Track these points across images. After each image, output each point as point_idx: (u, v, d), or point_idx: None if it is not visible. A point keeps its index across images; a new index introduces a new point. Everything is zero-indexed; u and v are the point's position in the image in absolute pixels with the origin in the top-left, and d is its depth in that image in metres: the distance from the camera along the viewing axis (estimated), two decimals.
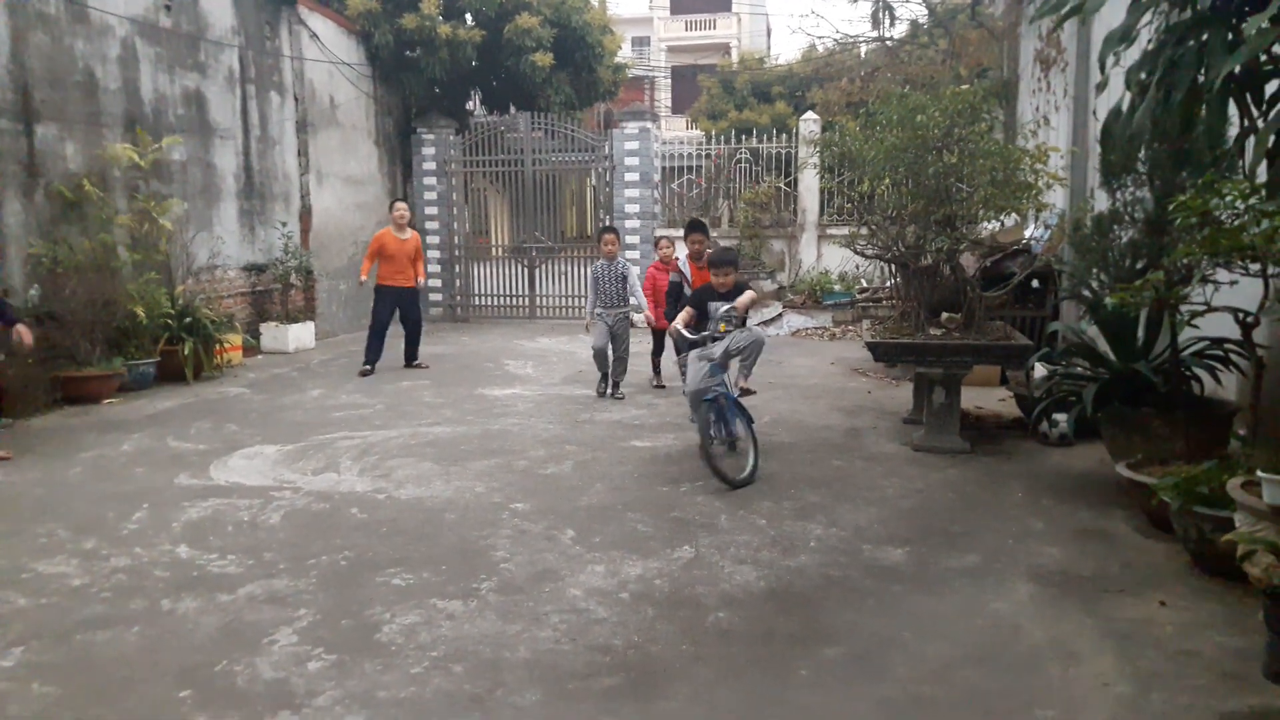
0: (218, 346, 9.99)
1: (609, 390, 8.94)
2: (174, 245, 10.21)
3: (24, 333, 7.09)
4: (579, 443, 7.12)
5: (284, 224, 12.52)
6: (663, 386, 9.24)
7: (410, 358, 10.75)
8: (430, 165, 16.08)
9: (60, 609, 4.18)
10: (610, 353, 8.95)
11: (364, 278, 10.62)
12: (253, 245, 12.10)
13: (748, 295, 6.27)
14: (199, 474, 6.33)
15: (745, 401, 6.37)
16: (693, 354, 6.21)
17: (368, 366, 10.35)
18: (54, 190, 8.98)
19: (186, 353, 9.49)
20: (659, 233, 9.64)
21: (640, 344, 9.90)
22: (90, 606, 4.19)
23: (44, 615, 4.10)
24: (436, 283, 16.44)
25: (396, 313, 10.57)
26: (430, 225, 16.29)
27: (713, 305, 6.35)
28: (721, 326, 6.13)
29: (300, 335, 12.10)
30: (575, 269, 15.73)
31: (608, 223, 15.58)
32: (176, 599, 4.26)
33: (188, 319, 9.67)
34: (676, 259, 8.77)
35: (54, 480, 6.24)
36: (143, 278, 9.56)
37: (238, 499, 5.77)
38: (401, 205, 10.70)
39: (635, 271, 9.21)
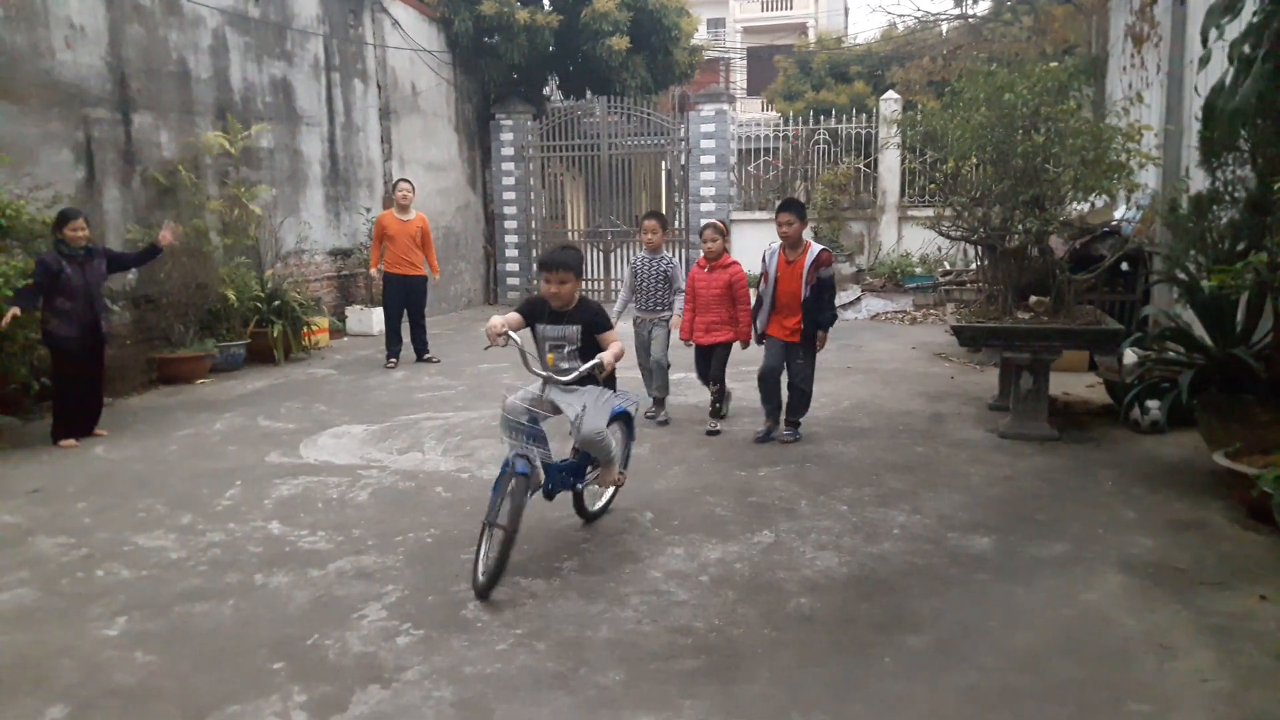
0: (305, 329, 10.28)
1: (656, 413, 7.32)
2: (263, 230, 10.51)
3: (166, 234, 7.52)
4: (655, 426, 7.14)
5: (368, 209, 12.78)
6: (723, 416, 7.15)
7: (418, 351, 10.14)
8: (508, 151, 16.23)
9: (160, 581, 4.35)
10: (649, 364, 7.39)
11: (374, 268, 10.03)
12: (338, 230, 12.38)
13: (613, 350, 4.41)
14: (289, 452, 6.53)
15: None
16: (514, 396, 4.49)
17: (390, 361, 9.84)
18: (149, 177, 9.33)
19: (275, 335, 9.77)
20: (704, 221, 7.35)
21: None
22: (188, 579, 4.36)
23: (145, 587, 4.28)
24: (514, 267, 16.63)
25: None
26: (508, 210, 16.47)
27: (540, 328, 4.58)
28: (549, 360, 4.53)
29: (382, 319, 12.34)
30: None
31: (681, 207, 15.54)
32: (269, 574, 4.41)
33: (276, 302, 9.96)
34: (767, 250, 6.72)
35: (151, 457, 6.49)
36: (233, 262, 9.87)
37: (327, 477, 5.94)
38: (404, 184, 9.96)
39: (681, 270, 7.37)
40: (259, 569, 4.46)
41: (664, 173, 17.36)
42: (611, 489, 5.08)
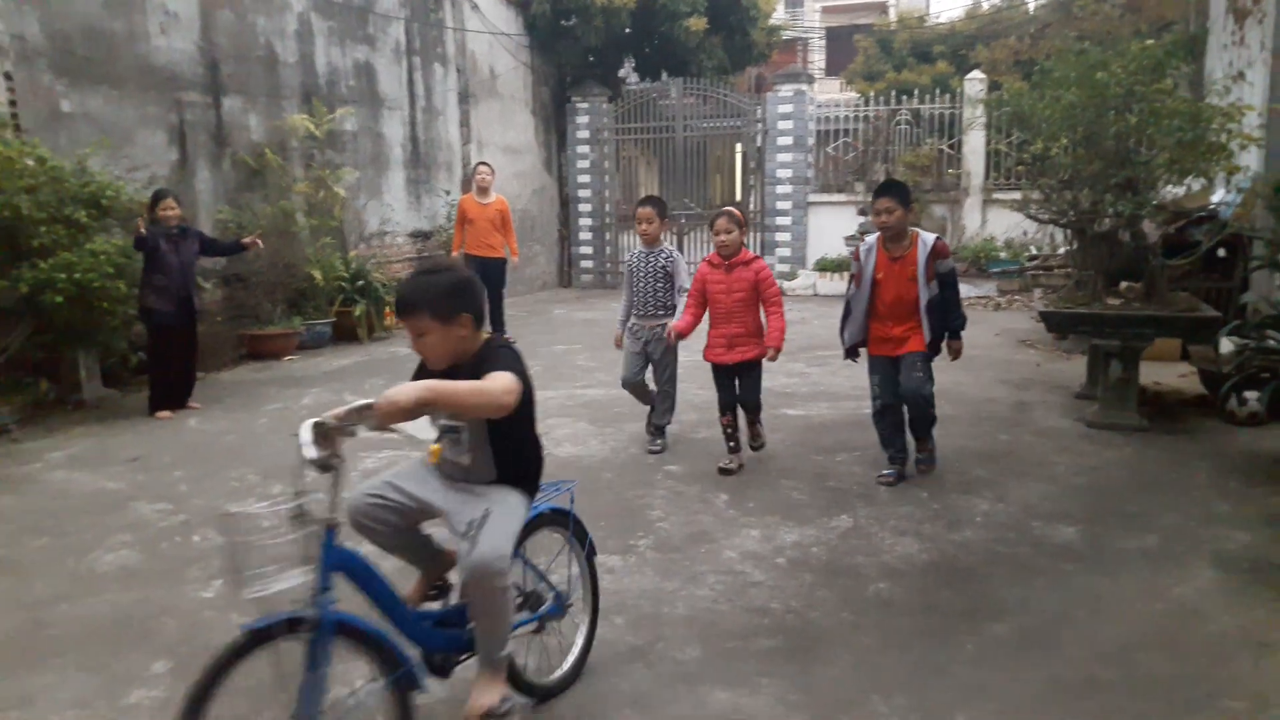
0: (387, 309, 10.50)
1: (653, 442, 6.08)
2: (347, 212, 10.76)
3: (253, 242, 7.73)
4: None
5: (447, 192, 12.98)
6: (761, 447, 5.83)
7: (496, 331, 10.27)
8: (584, 134, 16.30)
9: (252, 548, 4.51)
10: (648, 384, 6.15)
11: (455, 251, 10.00)
12: (418, 212, 12.61)
13: (499, 380, 2.52)
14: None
15: None
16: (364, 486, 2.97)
17: None
18: (238, 159, 9.62)
19: (359, 314, 10.02)
20: (728, 206, 6.34)
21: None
22: (279, 547, 4.51)
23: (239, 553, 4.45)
24: (588, 249, 16.72)
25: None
26: (582, 194, 16.55)
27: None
28: (433, 453, 2.88)
29: None
30: None
31: (758, 189, 15.42)
32: (358, 542, 4.53)
33: (360, 282, 10.20)
34: (861, 242, 5.50)
35: (242, 429, 6.73)
36: (319, 242, 10.13)
37: (410, 452, 6.07)
38: (484, 168, 9.97)
39: (684, 265, 6.03)
40: (347, 537, 4.58)
41: (740, 155, 17.23)
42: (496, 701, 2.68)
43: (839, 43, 33.01)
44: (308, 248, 9.95)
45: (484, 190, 10.01)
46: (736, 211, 5.59)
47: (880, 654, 3.41)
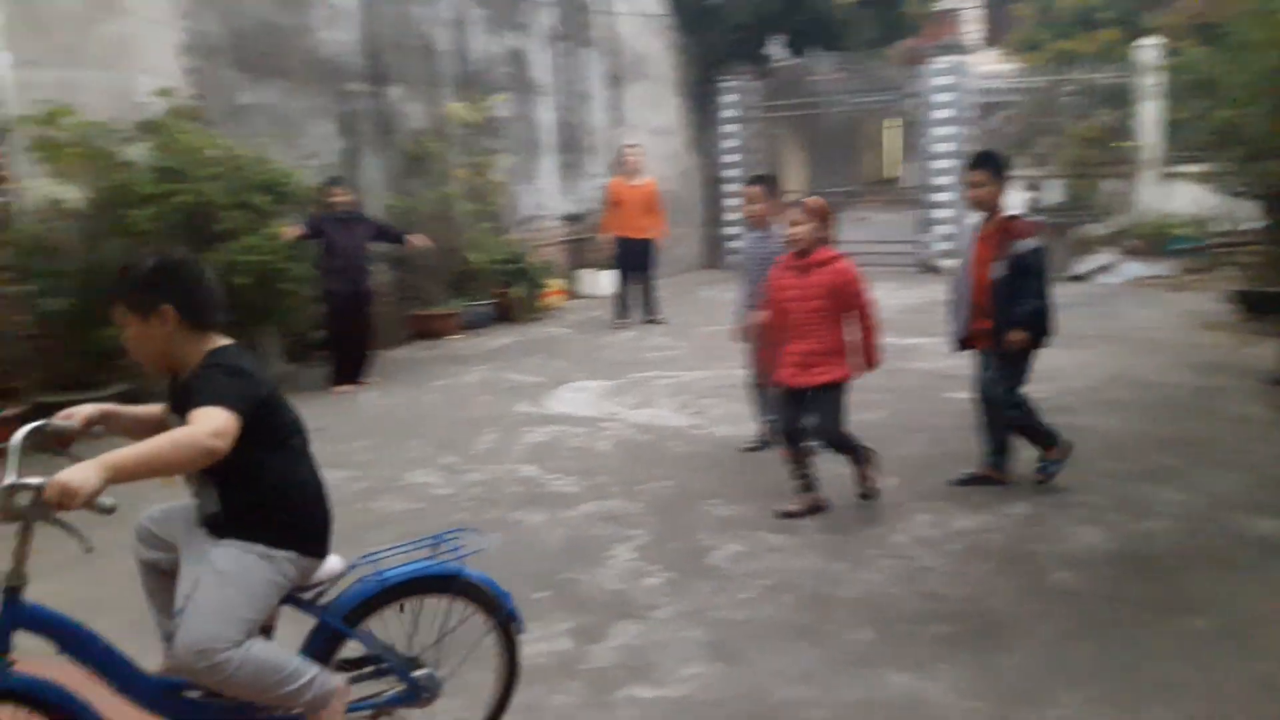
0: (542, 290, 10.76)
1: (762, 443, 5.49)
2: (503, 196, 11.05)
3: (416, 241, 8.00)
4: (892, 391, 6.95)
5: (597, 175, 13.15)
6: (874, 495, 4.73)
7: (647, 313, 10.22)
8: (730, 113, 16.17)
9: (431, 513, 4.73)
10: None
11: (605, 233, 10.13)
12: (569, 196, 12.83)
13: (205, 422, 2.11)
14: (535, 403, 6.89)
15: None
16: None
17: (620, 322, 10.03)
18: (402, 146, 10.01)
19: (516, 295, 10.31)
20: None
21: None
22: (455, 513, 4.72)
23: (419, 517, 4.67)
24: (736, 230, 16.62)
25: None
26: (729, 173, 16.44)
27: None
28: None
29: (610, 282, 12.72)
30: (874, 215, 15.30)
31: (913, 166, 14.95)
32: (527, 512, 4.70)
33: (516, 265, 10.48)
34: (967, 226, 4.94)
35: (414, 404, 7.05)
36: (477, 227, 10.44)
37: (570, 427, 6.22)
38: (632, 150, 10.10)
39: None
40: (517, 507, 4.76)
41: (893, 131, 16.74)
42: None
43: (997, 12, 31.57)
44: (467, 232, 10.27)
45: (633, 172, 10.11)
46: (814, 201, 4.61)
47: (1064, 644, 3.28)
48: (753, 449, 5.59)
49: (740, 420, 6.25)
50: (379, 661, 2.50)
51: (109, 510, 1.97)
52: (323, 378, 7.69)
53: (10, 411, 5.96)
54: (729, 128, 16.29)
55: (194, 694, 2.28)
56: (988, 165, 4.67)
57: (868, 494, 4.70)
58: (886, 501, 4.70)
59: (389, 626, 2.55)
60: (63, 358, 6.74)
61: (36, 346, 6.72)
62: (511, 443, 5.91)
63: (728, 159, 16.43)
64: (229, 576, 2.24)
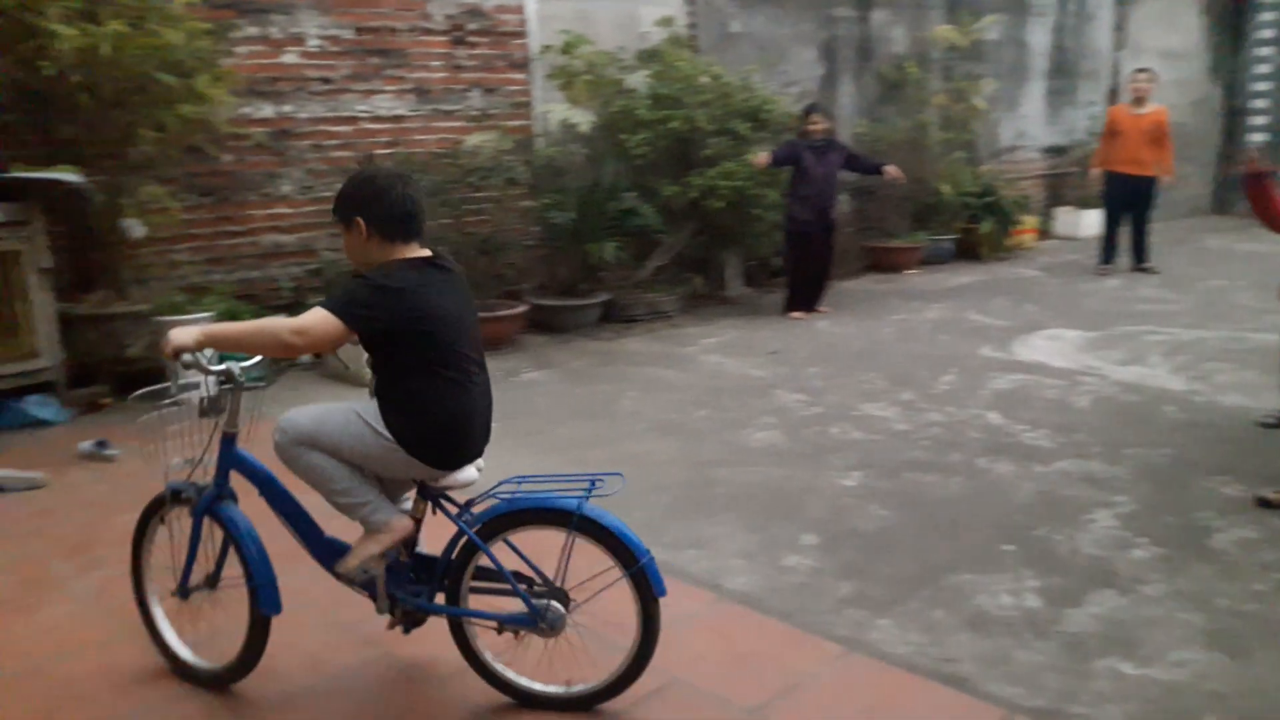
0: (1012, 228, 10.02)
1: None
2: (981, 125, 10.37)
3: (892, 172, 7.83)
4: None
5: (1091, 103, 11.84)
6: None
7: (1136, 259, 9.14)
8: (1268, 33, 13.58)
9: (887, 447, 4.62)
10: None
11: (1095, 167, 9.17)
12: (1054, 126, 11.71)
13: (304, 318, 2.43)
14: (1000, 348, 6.44)
15: None
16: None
17: (1104, 267, 9.11)
18: (879, 72, 9.75)
19: (984, 232, 9.69)
20: None
21: None
22: (912, 450, 4.56)
23: (874, 449, 4.59)
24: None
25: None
26: (1258, 103, 13.89)
27: None
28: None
29: (1094, 222, 11.47)
30: None
31: None
32: (992, 460, 4.40)
33: (987, 199, 9.83)
34: None
35: (868, 336, 6.93)
36: (950, 157, 9.93)
37: (1042, 377, 5.72)
38: (1142, 75, 8.94)
39: None
40: (981, 454, 4.47)
41: None
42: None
43: None
44: (939, 162, 9.81)
45: (1140, 100, 8.93)
46: None
47: None
48: (1273, 425, 4.71)
49: (1257, 390, 5.30)
50: (502, 579, 2.51)
51: (186, 367, 2.38)
52: (778, 302, 7.84)
53: (513, 310, 6.87)
54: (1264, 50, 13.72)
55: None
56: None
57: None
58: None
59: (548, 557, 2.49)
60: (557, 267, 7.61)
61: (538, 256, 7.66)
62: (975, 386, 5.56)
63: (1258, 86, 13.89)
64: (338, 409, 2.54)
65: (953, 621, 3.00)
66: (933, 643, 2.88)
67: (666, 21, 7.82)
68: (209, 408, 2.50)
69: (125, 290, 5.71)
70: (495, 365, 6.14)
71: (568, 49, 7.29)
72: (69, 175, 5.08)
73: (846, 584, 3.26)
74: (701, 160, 7.56)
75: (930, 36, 9.95)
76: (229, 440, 2.58)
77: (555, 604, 2.45)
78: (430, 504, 2.58)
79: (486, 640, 2.61)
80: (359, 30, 6.67)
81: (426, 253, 2.51)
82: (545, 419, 5.18)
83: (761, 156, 7.35)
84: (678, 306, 7.84)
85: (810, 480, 4.21)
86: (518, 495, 2.48)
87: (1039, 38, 11.27)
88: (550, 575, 2.48)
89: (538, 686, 2.58)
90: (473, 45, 7.24)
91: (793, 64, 9.12)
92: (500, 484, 2.49)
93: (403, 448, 2.44)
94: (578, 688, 2.55)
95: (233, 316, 5.86)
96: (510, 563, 2.50)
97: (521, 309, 6.96)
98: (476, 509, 2.52)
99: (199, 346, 2.33)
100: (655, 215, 7.55)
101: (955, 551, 3.48)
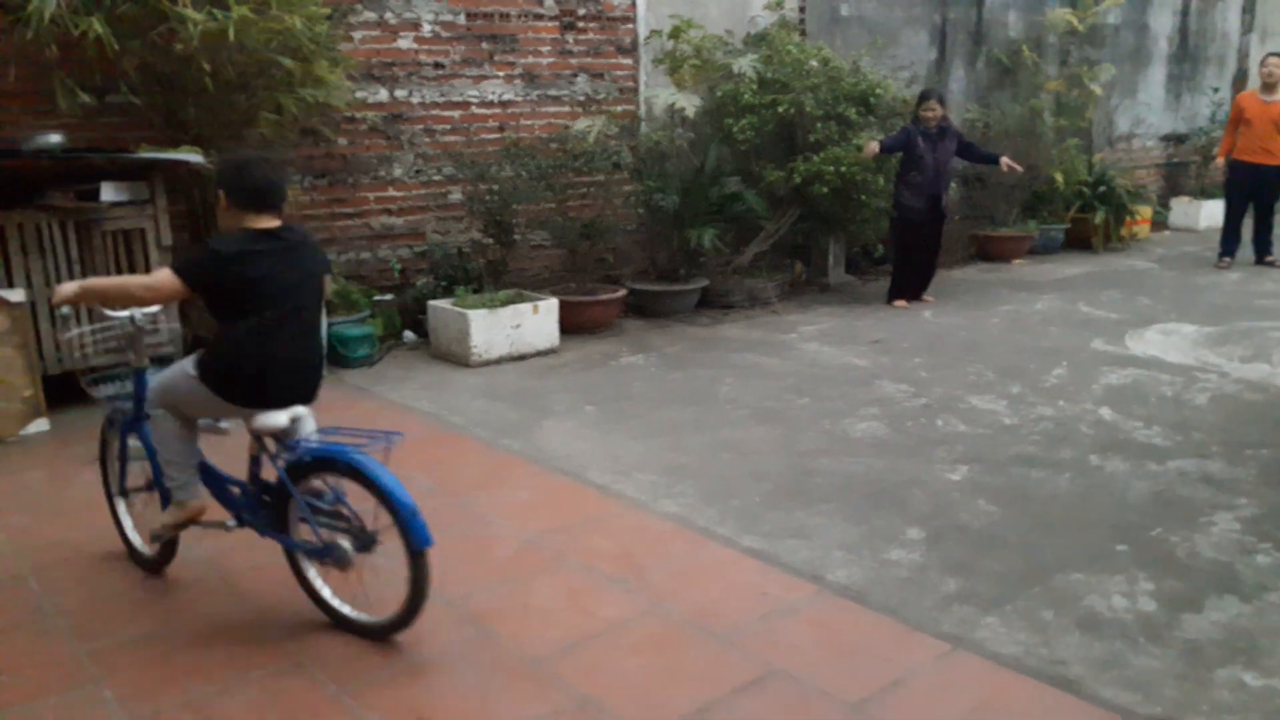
0: (1127, 218, 9.65)
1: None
2: (1097, 112, 10.02)
3: (1009, 162, 7.64)
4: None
5: (1215, 90, 11.30)
6: None
7: (1260, 252, 8.76)
8: None
9: (994, 441, 4.53)
10: None
11: (1220, 156, 8.85)
12: (1175, 113, 11.23)
13: (152, 275, 3.07)
14: (1113, 342, 6.23)
15: None
16: None
17: (1224, 260, 8.74)
18: (993, 57, 9.49)
19: (1097, 222, 9.38)
20: None
21: None
22: (1021, 445, 4.46)
23: (980, 442, 4.50)
24: None
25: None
26: None
27: None
28: None
29: (1215, 214, 10.97)
30: None
31: None
32: (1104, 457, 4.27)
33: (1101, 188, 9.50)
34: None
35: (974, 326, 6.79)
36: (1063, 144, 9.61)
37: (1158, 373, 5.52)
38: (1273, 59, 8.51)
39: None
40: (1092, 450, 4.35)
41: None
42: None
43: None
44: (1051, 149, 9.51)
45: (1271, 87, 8.51)
46: None
47: None
48: None
49: None
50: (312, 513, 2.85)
51: (65, 316, 3.12)
52: (880, 290, 7.73)
53: (612, 295, 6.92)
54: None
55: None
56: None
57: None
58: None
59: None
60: (657, 252, 7.64)
61: (638, 240, 7.70)
62: (1086, 381, 5.40)
63: None
64: (177, 365, 3.00)
65: (1063, 622, 2.95)
66: (1042, 643, 2.84)
67: (776, 5, 7.76)
68: (122, 346, 3.22)
69: None
70: (593, 349, 6.32)
71: (676, 33, 7.29)
72: (193, 156, 5.30)
73: (953, 580, 3.23)
74: (808, 145, 7.47)
75: (1047, 20, 9.64)
76: (140, 373, 3.13)
77: (343, 542, 2.78)
78: (257, 442, 2.97)
79: (312, 564, 2.97)
80: (471, 16, 6.80)
81: (274, 224, 2.85)
82: (643, 403, 5.23)
83: (871, 146, 7.19)
84: (777, 293, 7.79)
85: (915, 473, 4.16)
86: (314, 444, 2.84)
87: (1162, 21, 10.81)
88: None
89: (347, 610, 2.92)
90: (582, 30, 7.31)
91: (904, 48, 8.94)
92: (318, 432, 2.89)
93: (206, 386, 2.85)
94: (369, 618, 2.88)
95: (342, 296, 6.10)
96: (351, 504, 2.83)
97: (621, 293, 7.03)
98: (287, 453, 2.87)
99: (77, 299, 2.88)
100: (758, 201, 7.51)
101: (1065, 550, 3.41)
